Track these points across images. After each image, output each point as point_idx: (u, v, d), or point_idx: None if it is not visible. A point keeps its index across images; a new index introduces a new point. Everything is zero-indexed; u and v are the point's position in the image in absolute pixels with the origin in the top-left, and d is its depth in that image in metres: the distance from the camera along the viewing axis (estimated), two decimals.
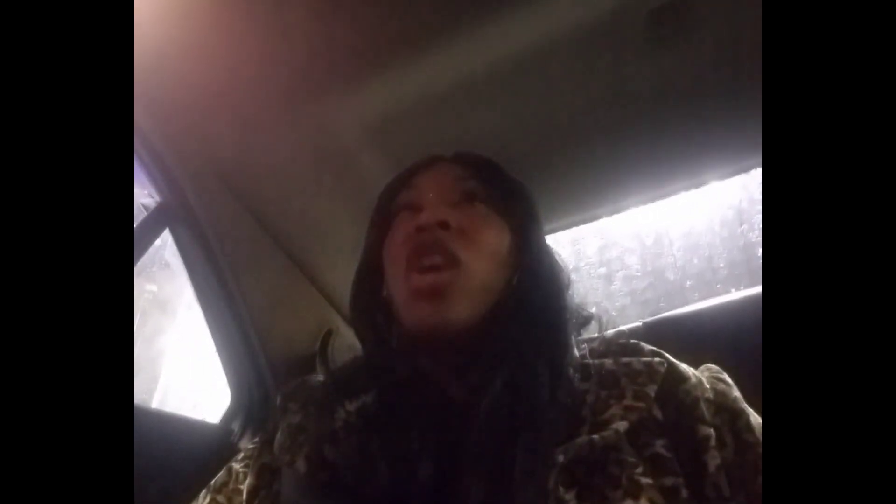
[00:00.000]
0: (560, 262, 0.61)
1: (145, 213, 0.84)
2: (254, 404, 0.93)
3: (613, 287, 1.55)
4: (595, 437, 0.44)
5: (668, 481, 0.42)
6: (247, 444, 0.59)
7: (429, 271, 0.51)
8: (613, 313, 1.45)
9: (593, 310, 0.60)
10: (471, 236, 0.54)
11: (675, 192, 1.17)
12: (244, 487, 0.54)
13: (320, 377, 0.61)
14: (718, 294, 1.22)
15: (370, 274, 0.61)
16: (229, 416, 0.91)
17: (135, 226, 0.82)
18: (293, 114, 0.83)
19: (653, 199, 1.18)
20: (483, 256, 0.54)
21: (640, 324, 1.06)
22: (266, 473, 0.53)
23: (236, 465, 0.57)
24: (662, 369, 0.50)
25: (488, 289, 0.53)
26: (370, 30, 0.74)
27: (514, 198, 0.61)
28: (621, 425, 0.45)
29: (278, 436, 0.53)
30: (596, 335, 0.58)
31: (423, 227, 0.53)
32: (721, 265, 1.55)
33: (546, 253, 0.60)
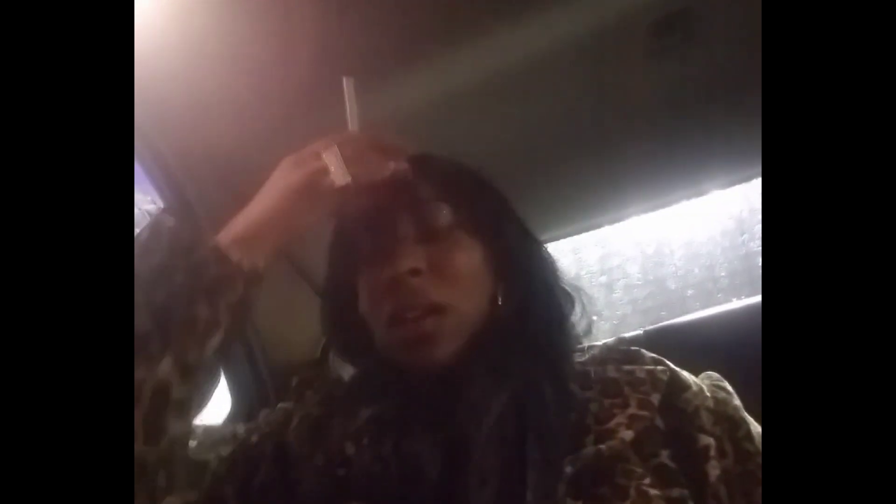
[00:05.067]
0: (554, 264, 0.59)
1: (148, 219, 0.84)
2: (254, 411, 0.93)
3: (614, 296, 1.55)
4: (602, 446, 0.44)
5: (675, 492, 0.42)
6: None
7: (410, 322, 0.50)
8: (614, 322, 1.45)
9: (594, 318, 0.60)
10: (447, 274, 0.52)
11: (676, 201, 1.17)
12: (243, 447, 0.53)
13: (337, 374, 0.61)
14: (719, 303, 1.22)
15: (341, 297, 0.58)
16: (229, 421, 0.91)
17: (137, 231, 0.82)
18: (297, 119, 0.83)
19: (654, 208, 1.18)
20: (464, 292, 0.52)
21: (640, 333, 1.06)
22: (281, 453, 0.52)
23: (247, 434, 0.55)
24: (665, 377, 0.50)
25: (475, 318, 0.52)
26: (373, 37, 0.75)
27: (487, 208, 0.57)
28: (627, 434, 0.45)
29: (295, 422, 0.53)
30: (596, 342, 0.58)
31: (395, 278, 0.51)
32: (722, 274, 1.55)
33: (534, 258, 0.58)
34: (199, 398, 0.46)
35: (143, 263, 0.44)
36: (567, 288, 0.58)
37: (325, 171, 0.51)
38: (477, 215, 0.55)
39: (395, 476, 0.45)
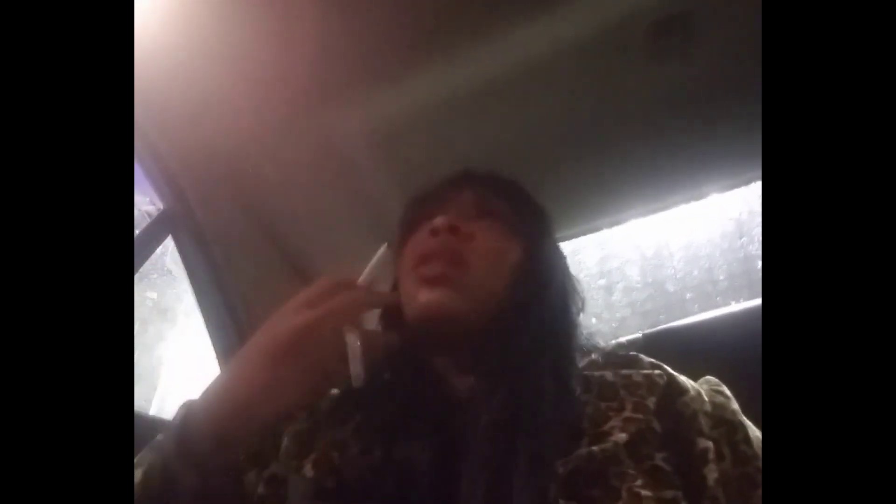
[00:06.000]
0: (575, 284, 0.62)
1: (148, 220, 0.84)
2: None
3: (613, 298, 1.55)
4: (595, 448, 0.44)
5: (668, 494, 0.42)
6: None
7: (434, 262, 0.53)
8: (614, 325, 1.45)
9: (593, 321, 0.61)
10: (479, 242, 0.55)
11: (675, 203, 1.17)
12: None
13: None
14: (718, 306, 1.22)
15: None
16: None
17: (137, 233, 0.82)
18: (298, 121, 0.83)
19: (653, 211, 1.18)
20: (488, 261, 0.55)
21: (639, 335, 1.06)
22: (274, 483, 0.52)
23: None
24: (662, 382, 0.50)
25: (492, 292, 0.54)
26: (375, 39, 0.75)
27: (532, 219, 0.62)
28: (621, 437, 0.45)
29: (284, 442, 0.53)
30: (596, 347, 0.58)
31: (435, 230, 0.55)
32: (721, 277, 1.55)
33: (559, 272, 0.61)
34: None
35: None
36: (577, 295, 0.61)
37: (344, 358, 0.45)
38: (524, 223, 0.60)
39: (387, 481, 0.45)
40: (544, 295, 0.56)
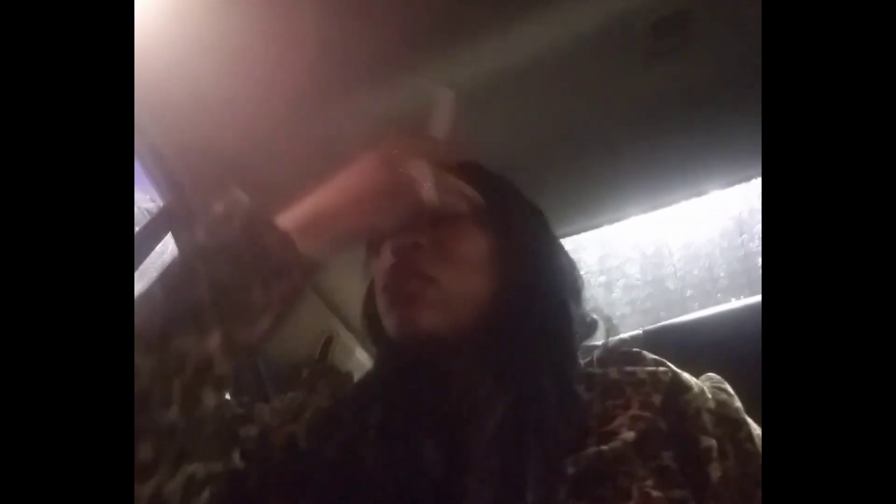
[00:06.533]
0: (567, 266, 0.59)
1: (148, 218, 0.84)
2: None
3: (614, 296, 1.55)
4: (604, 447, 0.44)
5: (677, 493, 0.42)
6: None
7: (399, 285, 0.52)
8: (614, 322, 1.45)
9: (595, 317, 0.60)
10: (446, 255, 0.53)
11: (675, 201, 1.17)
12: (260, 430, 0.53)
13: (347, 370, 0.62)
14: (718, 303, 1.22)
15: (369, 290, 0.61)
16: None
17: (137, 230, 0.82)
18: (298, 119, 0.83)
19: (653, 209, 1.18)
20: (460, 269, 0.53)
21: (640, 332, 1.07)
22: (291, 443, 0.52)
23: (270, 417, 0.55)
24: (667, 378, 0.50)
25: (470, 300, 0.53)
26: (375, 39, 0.75)
27: (498, 200, 0.58)
28: (628, 435, 0.44)
29: (308, 413, 0.54)
30: (598, 343, 0.57)
31: (396, 252, 0.53)
32: (721, 275, 1.55)
33: (544, 257, 0.58)
34: (237, 376, 0.46)
35: (213, 237, 0.45)
36: (576, 289, 0.58)
37: (414, 182, 0.50)
38: (491, 209, 0.56)
39: (400, 477, 0.45)
40: (533, 289, 0.54)
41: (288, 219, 0.48)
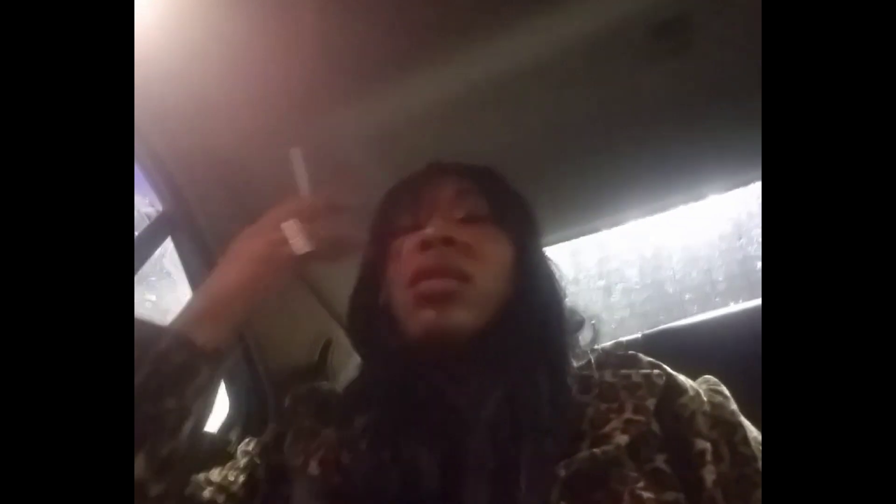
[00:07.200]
0: (557, 272, 0.61)
1: (147, 222, 0.84)
2: (252, 414, 0.92)
3: (612, 300, 1.55)
4: (597, 451, 0.44)
5: (670, 496, 0.42)
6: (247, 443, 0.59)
7: (436, 278, 0.52)
8: (613, 325, 1.45)
9: (592, 320, 0.60)
10: (476, 252, 0.54)
11: (674, 204, 1.17)
12: (242, 474, 0.54)
13: (330, 385, 0.62)
14: (717, 307, 1.22)
15: (369, 287, 0.61)
16: (227, 426, 0.90)
17: (136, 234, 0.82)
18: (296, 122, 0.83)
19: (652, 212, 1.18)
20: (489, 270, 0.54)
21: (639, 336, 1.06)
22: (276, 473, 0.53)
23: (243, 450, 0.57)
24: (661, 382, 0.50)
25: (492, 300, 0.54)
26: (375, 40, 0.75)
27: (516, 212, 0.61)
28: (622, 439, 0.44)
29: (289, 437, 0.54)
30: (594, 347, 0.58)
31: (427, 243, 0.53)
32: (720, 278, 1.55)
33: (544, 265, 0.61)
34: (179, 484, 0.47)
35: None
36: (564, 292, 0.60)
37: (283, 241, 0.53)
38: (509, 218, 0.59)
39: (393, 481, 0.45)
40: (537, 294, 0.56)
41: (179, 318, 0.49)
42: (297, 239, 0.53)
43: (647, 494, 0.41)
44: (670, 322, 1.10)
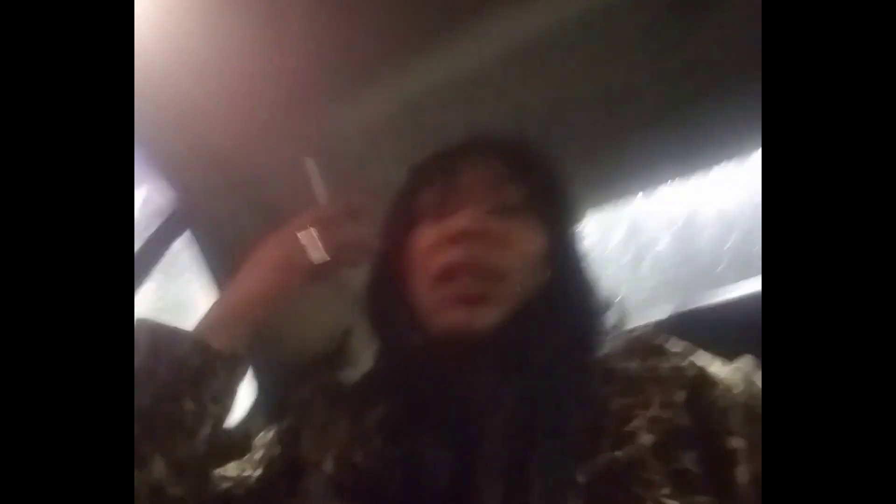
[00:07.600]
0: (588, 255, 0.58)
1: (146, 220, 0.84)
2: (270, 406, 0.92)
3: (641, 273, 1.48)
4: (618, 453, 0.41)
5: (699, 500, 0.39)
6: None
7: (463, 279, 0.49)
8: (642, 299, 1.39)
9: (618, 299, 0.56)
10: (510, 247, 0.51)
11: (708, 166, 1.10)
12: (259, 467, 0.54)
13: (348, 376, 0.61)
14: (754, 276, 1.15)
15: (389, 274, 0.57)
16: (246, 419, 0.91)
17: (153, 229, 0.84)
18: (294, 119, 0.82)
19: (684, 174, 1.11)
20: (523, 265, 0.51)
21: (668, 315, 1.01)
22: (292, 467, 0.52)
23: (260, 443, 0.57)
24: (691, 374, 0.46)
25: (520, 294, 0.51)
26: (370, 28, 0.73)
27: (554, 199, 0.57)
28: (647, 439, 0.41)
29: (305, 431, 0.54)
30: (619, 333, 0.53)
31: (458, 237, 0.49)
32: (756, 248, 1.46)
33: (577, 256, 0.57)
34: (198, 484, 0.48)
35: None
36: (596, 282, 0.56)
37: (301, 250, 0.54)
38: (545, 205, 0.55)
39: (404, 480, 0.44)
40: (567, 285, 0.53)
41: (199, 324, 0.51)
42: (314, 248, 0.55)
43: (671, 502, 0.38)
44: (704, 295, 1.04)
